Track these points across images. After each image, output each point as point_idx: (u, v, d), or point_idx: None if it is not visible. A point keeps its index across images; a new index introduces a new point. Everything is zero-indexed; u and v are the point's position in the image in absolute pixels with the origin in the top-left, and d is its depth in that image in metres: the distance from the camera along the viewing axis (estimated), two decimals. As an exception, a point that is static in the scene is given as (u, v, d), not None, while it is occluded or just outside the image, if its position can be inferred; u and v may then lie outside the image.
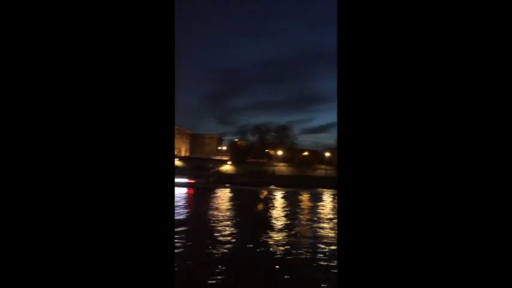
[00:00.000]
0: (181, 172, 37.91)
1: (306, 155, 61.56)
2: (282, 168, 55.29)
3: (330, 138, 77.05)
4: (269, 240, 11.75)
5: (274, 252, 9.98)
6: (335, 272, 7.98)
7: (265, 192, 33.41)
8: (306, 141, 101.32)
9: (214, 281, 7.11)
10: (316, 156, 63.91)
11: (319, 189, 39.40)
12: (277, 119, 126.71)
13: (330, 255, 9.61)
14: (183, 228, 12.34)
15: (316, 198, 28.94)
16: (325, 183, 42.50)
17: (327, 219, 17.25)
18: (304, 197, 30.83)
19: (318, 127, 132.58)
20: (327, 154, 64.26)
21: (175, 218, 10.85)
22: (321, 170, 55.79)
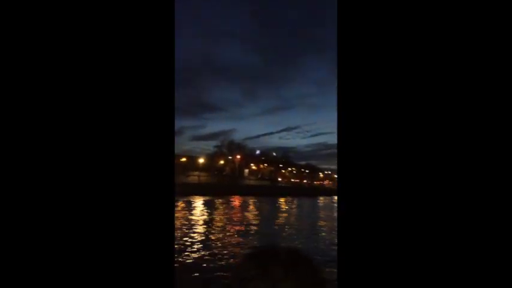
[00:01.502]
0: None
1: (183, 161, 58.43)
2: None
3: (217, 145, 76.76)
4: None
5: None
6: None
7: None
8: (196, 147, 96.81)
9: None
10: (194, 162, 60.76)
11: (192, 197, 34.94)
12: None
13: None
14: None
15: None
16: (199, 190, 40.68)
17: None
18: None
19: (209, 134, 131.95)
20: (201, 160, 62.41)
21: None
22: (194, 177, 53.18)
